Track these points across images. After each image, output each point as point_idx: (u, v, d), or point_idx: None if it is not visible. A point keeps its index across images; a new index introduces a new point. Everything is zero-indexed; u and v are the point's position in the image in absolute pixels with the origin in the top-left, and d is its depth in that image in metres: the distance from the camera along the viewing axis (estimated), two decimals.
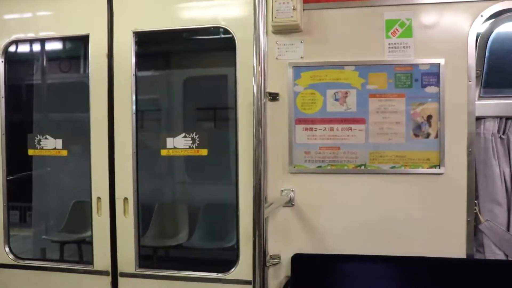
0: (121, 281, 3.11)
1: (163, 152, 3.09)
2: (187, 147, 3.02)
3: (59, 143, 3.42)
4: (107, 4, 3.07)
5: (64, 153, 3.45)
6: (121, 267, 3.10)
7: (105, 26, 3.09)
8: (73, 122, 3.95)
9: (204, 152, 3.00)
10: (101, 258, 3.16)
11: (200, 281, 2.93)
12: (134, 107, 3.06)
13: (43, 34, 3.29)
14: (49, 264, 3.37)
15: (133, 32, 3.01)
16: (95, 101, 3.13)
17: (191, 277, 2.97)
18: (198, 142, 3.00)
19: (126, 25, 3.03)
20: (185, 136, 3.03)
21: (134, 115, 3.06)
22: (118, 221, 3.10)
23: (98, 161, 3.13)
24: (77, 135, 3.47)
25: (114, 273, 3.16)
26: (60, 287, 3.27)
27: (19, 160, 3.83)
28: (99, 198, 3.16)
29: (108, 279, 3.16)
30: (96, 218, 3.18)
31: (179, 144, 3.04)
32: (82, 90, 3.31)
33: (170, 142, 3.08)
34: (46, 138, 3.42)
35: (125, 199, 3.08)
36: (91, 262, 3.23)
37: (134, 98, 3.05)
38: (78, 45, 4.30)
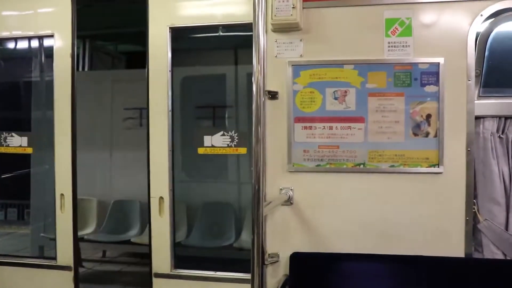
0: (155, 281, 3.07)
1: (200, 151, 3.07)
2: (226, 145, 3.00)
3: (24, 140, 3.43)
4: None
5: (30, 150, 3.46)
6: (155, 268, 3.06)
7: (69, 26, 3.10)
8: (40, 120, 3.96)
9: (243, 150, 2.99)
10: (64, 253, 3.17)
11: (234, 282, 2.92)
12: (170, 104, 3.03)
13: (5, 34, 3.32)
14: (12, 260, 3.38)
15: (170, 28, 2.99)
16: (59, 100, 3.14)
17: (226, 278, 2.96)
18: (237, 141, 2.98)
19: (163, 20, 3.01)
20: (223, 135, 3.01)
21: (170, 112, 3.03)
22: (153, 220, 3.06)
23: (62, 159, 3.14)
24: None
25: (76, 268, 3.17)
26: (24, 282, 3.29)
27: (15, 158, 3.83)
28: (62, 195, 3.17)
29: (71, 274, 3.16)
30: (59, 215, 3.19)
31: (217, 142, 3.02)
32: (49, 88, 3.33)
33: (207, 140, 3.05)
34: (12, 136, 3.43)
35: (161, 198, 3.05)
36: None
37: (170, 94, 3.02)
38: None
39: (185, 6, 3.02)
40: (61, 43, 3.12)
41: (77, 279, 3.16)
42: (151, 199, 3.06)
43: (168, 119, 3.03)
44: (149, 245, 3.09)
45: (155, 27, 3.03)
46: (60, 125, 3.14)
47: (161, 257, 3.05)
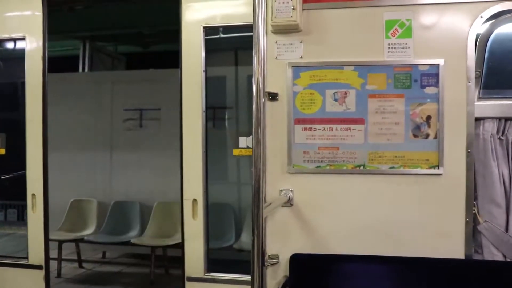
0: (188, 285, 3.04)
1: (235, 152, 3.05)
2: None
3: None
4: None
5: (2, 151, 3.51)
6: (188, 271, 3.03)
7: (40, 29, 3.14)
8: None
9: None
10: (35, 252, 3.20)
11: None
12: (204, 105, 3.00)
13: None
14: None
15: (203, 27, 2.97)
16: (30, 101, 3.17)
17: None
18: None
19: (196, 20, 3.00)
20: None
21: (204, 113, 3.00)
22: (186, 223, 3.03)
23: (33, 160, 3.16)
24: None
25: (47, 267, 3.19)
26: None
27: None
28: (33, 195, 3.20)
29: (42, 273, 3.19)
30: (31, 215, 3.22)
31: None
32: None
33: (243, 141, 3.04)
34: None
35: (194, 200, 3.01)
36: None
37: (204, 95, 2.99)
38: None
39: (219, 6, 3.00)
40: (33, 45, 3.14)
41: (48, 278, 3.20)
42: (184, 202, 3.01)
43: (202, 120, 2.99)
44: (182, 249, 3.04)
45: (189, 26, 3.00)
46: (31, 127, 3.17)
47: (194, 261, 3.01)
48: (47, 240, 3.20)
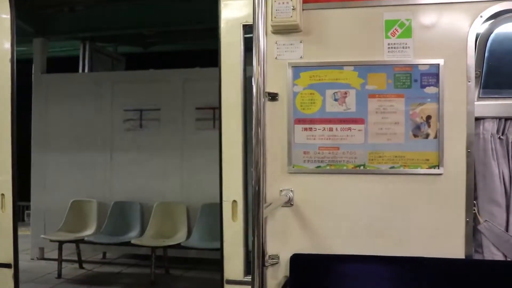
0: None
1: None
2: None
3: None
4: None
5: None
6: (227, 274, 2.95)
7: (8, 31, 3.16)
8: None
9: None
10: (4, 251, 3.23)
11: None
12: (243, 104, 2.94)
13: None
14: None
15: (243, 25, 2.95)
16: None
17: None
18: None
19: (235, 18, 2.92)
20: None
21: (244, 112, 2.94)
22: (226, 225, 2.95)
23: (2, 158, 3.21)
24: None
25: (16, 266, 3.25)
26: None
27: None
28: (2, 195, 3.24)
29: (10, 271, 3.22)
30: (0, 214, 3.26)
31: None
32: None
33: None
34: None
35: (234, 202, 2.96)
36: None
37: (243, 94, 2.94)
38: None
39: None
40: (1, 48, 3.18)
41: (17, 277, 3.23)
42: (224, 203, 2.94)
43: (242, 119, 2.91)
44: (221, 251, 2.97)
45: (228, 25, 2.94)
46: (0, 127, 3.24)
47: (234, 263, 2.94)
48: (16, 238, 3.25)
